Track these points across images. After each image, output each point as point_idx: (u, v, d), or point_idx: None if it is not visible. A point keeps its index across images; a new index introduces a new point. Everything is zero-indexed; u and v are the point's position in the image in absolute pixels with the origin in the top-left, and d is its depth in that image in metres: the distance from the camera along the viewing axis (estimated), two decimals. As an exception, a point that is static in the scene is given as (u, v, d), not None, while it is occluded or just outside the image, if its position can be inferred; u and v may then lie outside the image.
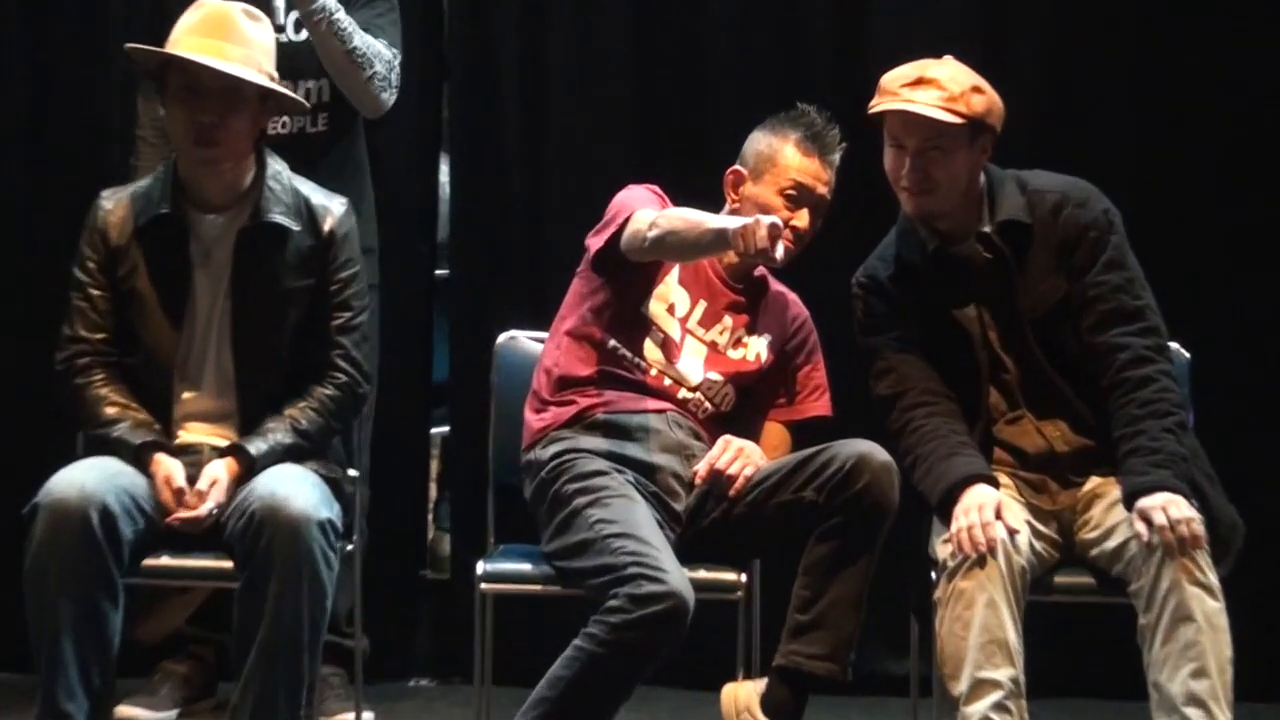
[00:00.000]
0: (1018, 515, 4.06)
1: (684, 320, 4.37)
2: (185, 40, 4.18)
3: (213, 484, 4.11)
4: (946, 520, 4.04)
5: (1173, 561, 3.91)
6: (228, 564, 4.12)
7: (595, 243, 4.31)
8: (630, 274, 4.28)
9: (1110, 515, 4.13)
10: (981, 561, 3.92)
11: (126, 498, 4.04)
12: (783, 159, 4.33)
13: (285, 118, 4.64)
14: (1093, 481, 4.22)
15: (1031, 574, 4.06)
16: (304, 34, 4.72)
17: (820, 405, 4.49)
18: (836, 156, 4.36)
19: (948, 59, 4.25)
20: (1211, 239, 5.35)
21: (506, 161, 5.44)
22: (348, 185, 4.64)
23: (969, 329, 4.23)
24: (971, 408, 4.23)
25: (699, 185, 4.55)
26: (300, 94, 4.63)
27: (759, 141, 4.38)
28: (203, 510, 4.09)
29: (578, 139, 5.43)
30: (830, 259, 4.61)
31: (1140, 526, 3.97)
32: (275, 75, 4.27)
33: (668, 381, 4.33)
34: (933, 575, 4.09)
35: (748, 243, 3.86)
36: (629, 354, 4.31)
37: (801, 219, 4.32)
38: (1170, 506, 3.95)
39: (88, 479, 4.01)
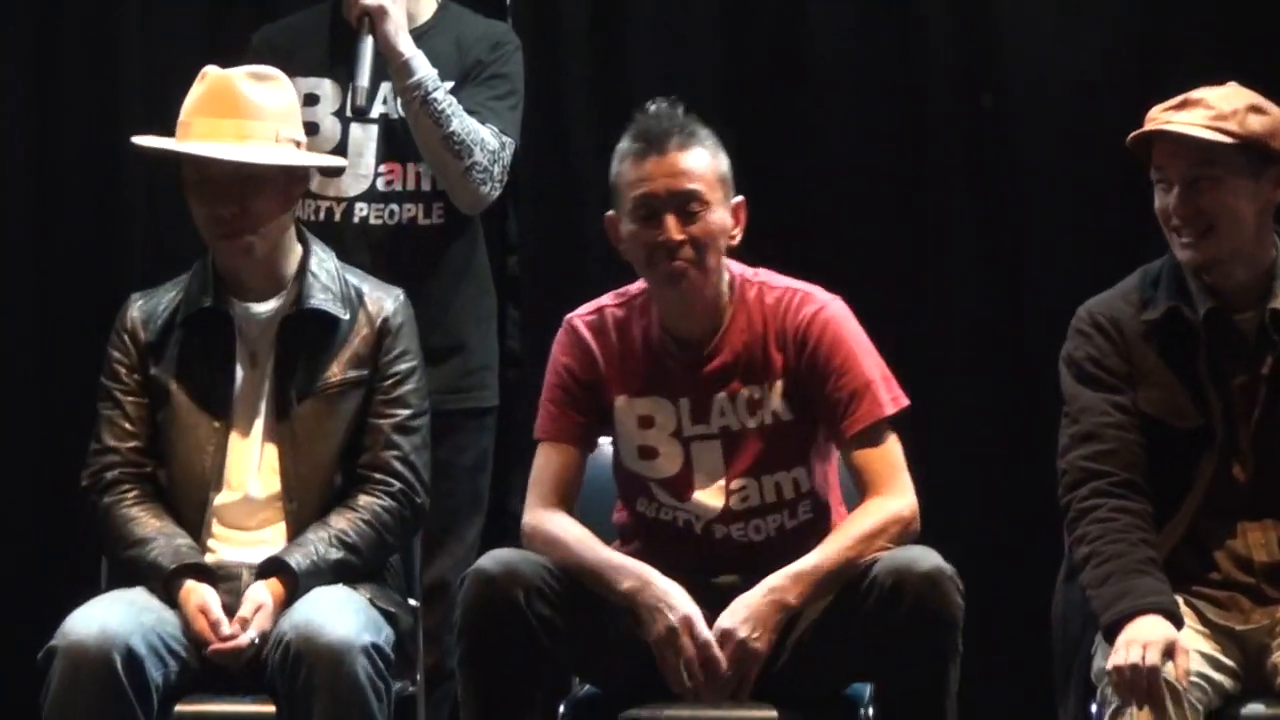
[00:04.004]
0: (1189, 659, 3.63)
1: (677, 433, 3.89)
2: (191, 123, 4.00)
3: (257, 609, 3.87)
4: (1111, 641, 3.64)
5: None
6: (270, 708, 3.83)
7: None
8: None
9: None
10: (1143, 706, 3.53)
11: (154, 636, 3.81)
12: (620, 181, 3.84)
13: (394, 205, 4.43)
14: None
15: (1206, 710, 3.64)
16: None
17: (866, 410, 3.81)
18: (677, 140, 3.80)
19: (1230, 84, 3.86)
20: None
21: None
22: (474, 293, 4.52)
23: (1214, 411, 3.79)
24: (1176, 499, 3.80)
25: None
26: (410, 178, 4.45)
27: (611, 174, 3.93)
28: (244, 639, 3.84)
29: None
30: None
31: None
32: (299, 139, 4.06)
33: (698, 528, 3.90)
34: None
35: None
36: (648, 514, 3.94)
37: (670, 229, 3.77)
38: None
39: (109, 617, 3.78)
